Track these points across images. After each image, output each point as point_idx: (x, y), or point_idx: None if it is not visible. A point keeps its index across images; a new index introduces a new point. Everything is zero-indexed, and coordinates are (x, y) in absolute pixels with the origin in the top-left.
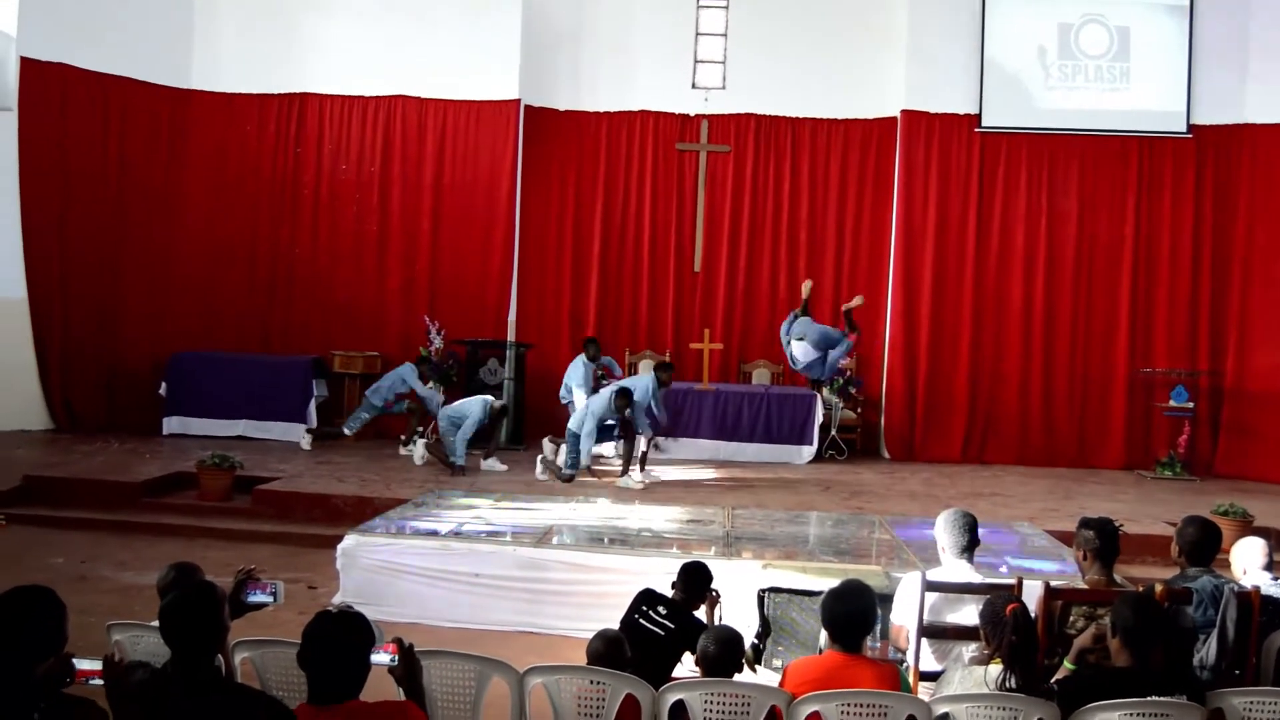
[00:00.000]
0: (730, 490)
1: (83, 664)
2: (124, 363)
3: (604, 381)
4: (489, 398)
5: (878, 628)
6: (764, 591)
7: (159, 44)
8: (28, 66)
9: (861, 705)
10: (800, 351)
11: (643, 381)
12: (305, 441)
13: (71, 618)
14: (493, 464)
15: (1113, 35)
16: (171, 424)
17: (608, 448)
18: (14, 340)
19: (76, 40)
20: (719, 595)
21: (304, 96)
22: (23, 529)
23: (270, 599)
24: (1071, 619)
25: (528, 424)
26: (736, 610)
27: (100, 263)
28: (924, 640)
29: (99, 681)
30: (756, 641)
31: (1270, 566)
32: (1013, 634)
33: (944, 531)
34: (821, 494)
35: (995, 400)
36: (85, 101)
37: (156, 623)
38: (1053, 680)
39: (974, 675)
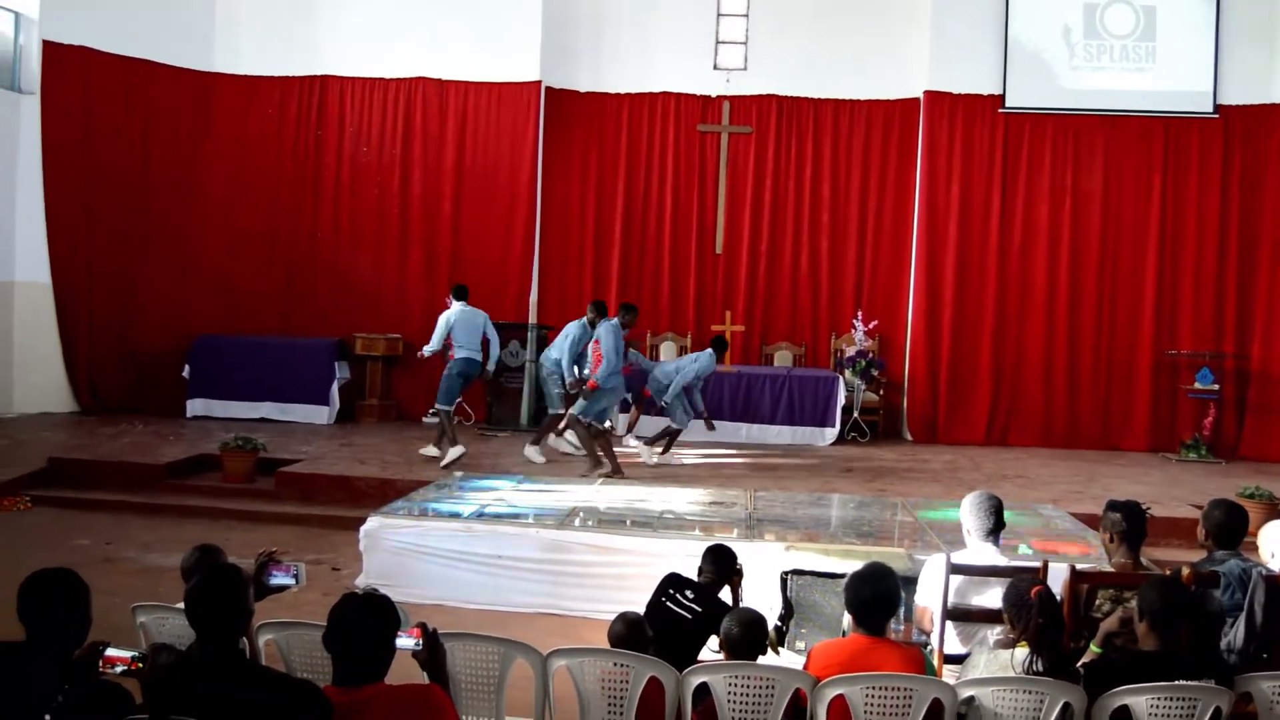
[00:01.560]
0: (752, 473)
1: (112, 651)
2: (148, 345)
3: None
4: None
5: (901, 610)
6: (787, 574)
7: (181, 27)
8: (50, 50)
9: (887, 688)
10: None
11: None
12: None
13: (96, 599)
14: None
15: (1139, 14)
16: (195, 406)
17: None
18: (39, 324)
19: (99, 23)
20: (741, 571)
21: (325, 79)
22: (48, 510)
23: (292, 581)
24: (1097, 603)
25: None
26: (759, 592)
27: (124, 246)
28: (949, 623)
29: (122, 668)
30: (779, 624)
31: None
32: (1039, 616)
33: (969, 514)
34: (844, 476)
35: (1019, 382)
36: (108, 85)
37: (181, 605)
38: (1079, 664)
39: (999, 659)
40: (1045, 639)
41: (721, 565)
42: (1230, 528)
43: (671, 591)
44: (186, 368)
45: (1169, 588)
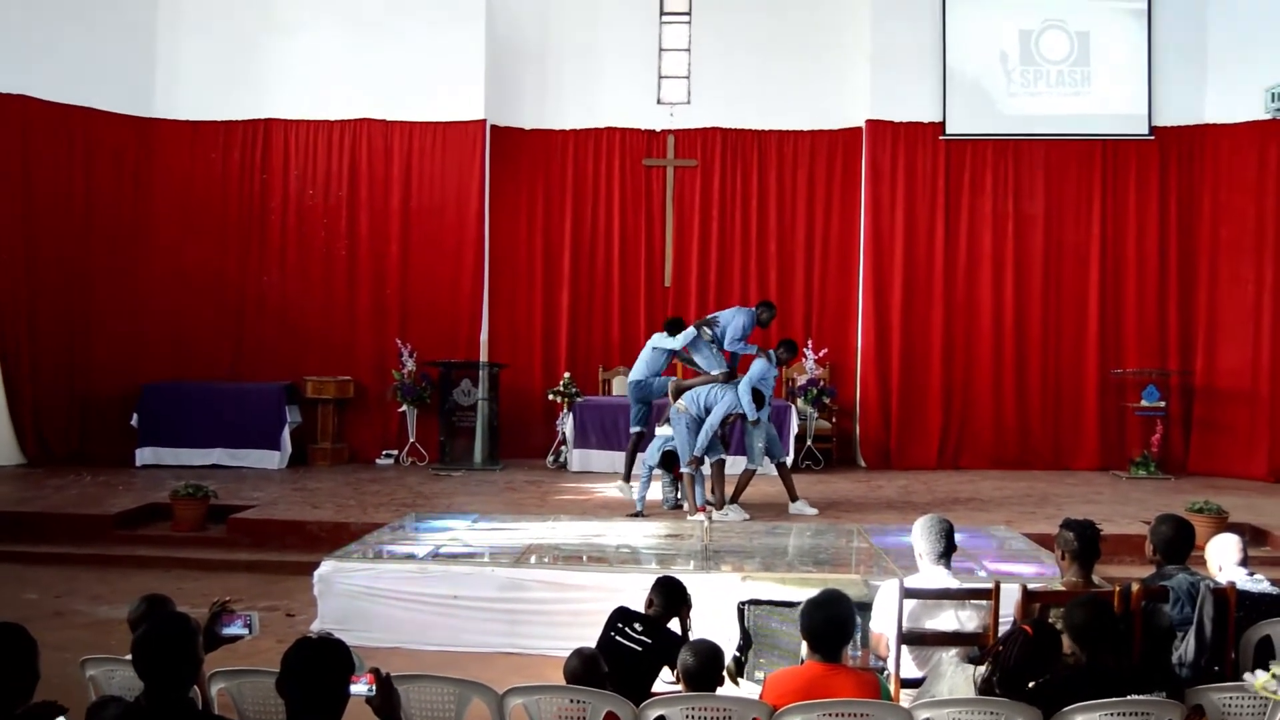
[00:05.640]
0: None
1: None
2: (95, 394)
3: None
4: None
5: (858, 636)
6: (744, 604)
7: (121, 73)
8: None
9: (842, 714)
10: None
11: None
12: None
13: (47, 654)
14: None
15: (1073, 40)
16: (144, 455)
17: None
18: None
19: (36, 71)
20: (690, 602)
21: (268, 122)
22: None
23: (245, 631)
24: (1050, 621)
25: (503, 445)
26: (717, 623)
27: (68, 295)
28: (904, 647)
29: None
30: (738, 654)
31: (1245, 562)
32: (1011, 659)
33: (921, 538)
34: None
35: (969, 406)
36: (47, 132)
37: (130, 656)
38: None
39: (965, 672)
40: (1007, 678)
41: (670, 597)
42: (1177, 542)
43: (620, 625)
44: (135, 416)
45: (1093, 605)
